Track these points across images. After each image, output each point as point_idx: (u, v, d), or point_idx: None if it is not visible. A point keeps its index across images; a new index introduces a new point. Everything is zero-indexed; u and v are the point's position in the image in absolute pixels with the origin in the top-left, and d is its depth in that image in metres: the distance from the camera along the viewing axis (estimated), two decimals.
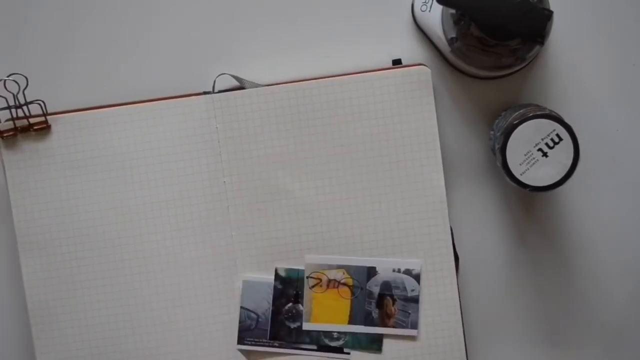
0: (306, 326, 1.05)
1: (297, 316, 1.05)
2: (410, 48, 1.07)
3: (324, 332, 1.05)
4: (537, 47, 0.99)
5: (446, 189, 1.07)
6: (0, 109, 1.05)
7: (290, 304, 1.05)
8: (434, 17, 1.03)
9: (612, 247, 1.07)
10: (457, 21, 0.99)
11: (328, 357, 1.05)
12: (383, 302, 1.04)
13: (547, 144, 0.97)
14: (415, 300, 1.04)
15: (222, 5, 1.08)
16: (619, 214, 1.07)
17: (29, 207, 1.05)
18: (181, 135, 1.05)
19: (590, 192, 1.07)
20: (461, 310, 1.06)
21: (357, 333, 1.05)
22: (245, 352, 1.05)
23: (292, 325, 1.05)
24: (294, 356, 1.05)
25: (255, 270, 1.05)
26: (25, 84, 1.07)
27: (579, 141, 1.04)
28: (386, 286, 1.04)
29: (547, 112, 0.98)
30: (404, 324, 1.04)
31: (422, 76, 1.04)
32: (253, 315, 1.05)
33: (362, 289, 1.05)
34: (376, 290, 1.04)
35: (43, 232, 1.05)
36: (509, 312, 1.08)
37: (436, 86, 1.07)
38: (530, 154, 0.97)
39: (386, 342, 1.05)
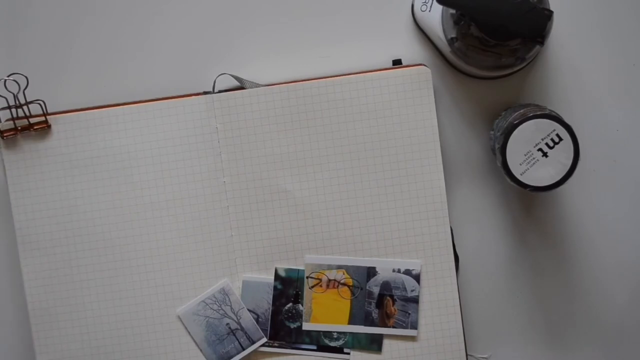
0: (306, 326, 1.05)
1: (297, 316, 1.05)
2: (410, 48, 1.07)
3: (323, 332, 1.05)
4: (537, 47, 0.99)
5: (446, 189, 1.07)
6: (0, 109, 1.05)
7: (290, 304, 1.05)
8: (434, 17, 1.03)
9: (612, 247, 1.07)
10: (457, 21, 0.99)
11: (328, 357, 1.05)
12: (383, 302, 1.04)
13: (547, 144, 0.97)
14: (415, 300, 1.04)
15: (222, 6, 1.08)
16: (619, 214, 1.07)
17: (29, 207, 1.05)
18: (181, 135, 1.05)
19: (590, 192, 1.07)
20: (461, 310, 1.06)
21: (356, 333, 1.05)
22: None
23: (292, 325, 1.05)
24: (294, 356, 1.05)
25: (255, 270, 1.05)
26: (25, 84, 1.07)
27: (579, 141, 1.04)
28: (386, 286, 1.04)
29: (547, 112, 0.98)
30: (404, 324, 1.04)
31: (422, 76, 1.04)
32: (253, 315, 1.05)
33: (362, 289, 1.05)
34: (376, 290, 1.04)
35: (43, 232, 1.05)
36: (509, 312, 1.08)
37: (436, 86, 1.07)
38: (530, 154, 0.97)
39: (386, 342, 1.05)
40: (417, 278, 1.04)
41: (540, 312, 1.08)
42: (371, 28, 1.07)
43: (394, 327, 1.04)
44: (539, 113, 0.97)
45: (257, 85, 1.05)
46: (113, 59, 1.08)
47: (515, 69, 1.02)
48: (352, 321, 1.05)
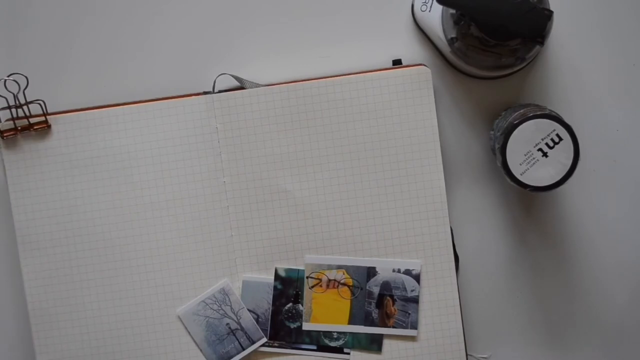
0: (306, 326, 1.05)
1: (297, 316, 1.05)
2: (410, 48, 1.07)
3: (323, 332, 1.05)
4: (537, 47, 0.99)
5: (446, 189, 1.07)
6: (0, 109, 1.05)
7: (290, 304, 1.05)
8: (434, 17, 1.03)
9: (612, 247, 1.07)
10: (457, 21, 0.99)
11: (328, 357, 1.05)
12: (383, 302, 1.04)
13: (547, 144, 0.97)
14: (415, 300, 1.04)
15: (222, 6, 1.08)
16: (619, 214, 1.07)
17: (29, 207, 1.05)
18: (181, 135, 1.05)
19: (590, 192, 1.07)
20: (461, 310, 1.06)
21: (356, 333, 1.05)
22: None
23: (292, 325, 1.05)
24: (294, 356, 1.05)
25: (255, 270, 1.05)
26: (25, 84, 1.07)
27: (579, 141, 1.04)
28: (386, 286, 1.04)
29: (547, 112, 0.98)
30: (404, 324, 1.04)
31: (422, 76, 1.04)
32: (253, 315, 1.05)
33: (362, 289, 1.05)
34: (376, 290, 1.04)
35: (43, 232, 1.05)
36: (509, 312, 1.08)
37: (436, 86, 1.07)
38: (530, 154, 0.97)
39: (386, 342, 1.05)
40: (417, 278, 1.04)
41: (540, 312, 1.08)
42: (371, 28, 1.07)
43: (394, 327, 1.04)
44: (539, 113, 0.97)
45: (257, 85, 1.05)
46: (113, 59, 1.08)
47: (515, 69, 1.02)
48: (352, 321, 1.05)
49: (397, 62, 1.06)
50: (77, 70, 1.08)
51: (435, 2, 1.03)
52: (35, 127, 1.05)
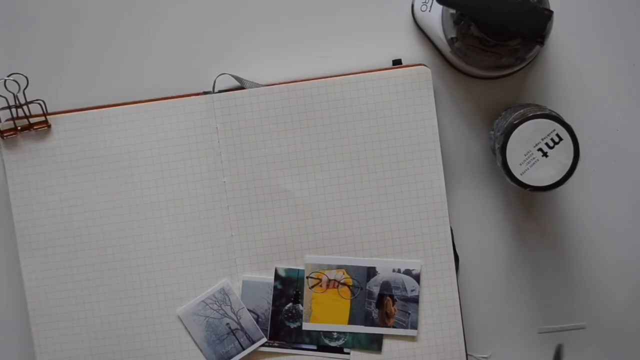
0: (306, 326, 1.05)
1: (297, 316, 1.05)
2: (410, 48, 1.07)
3: (323, 332, 1.05)
4: (537, 47, 0.99)
5: (446, 189, 1.07)
6: (0, 109, 1.05)
7: (290, 304, 1.05)
8: (434, 17, 1.03)
9: (612, 247, 1.07)
10: (457, 21, 0.99)
11: (328, 357, 1.05)
12: (383, 302, 1.04)
13: (547, 144, 0.97)
14: (415, 300, 1.04)
15: (222, 6, 1.08)
16: (619, 214, 1.07)
17: (29, 207, 1.05)
18: (181, 135, 1.05)
19: (590, 192, 1.07)
20: (461, 310, 1.06)
21: (356, 333, 1.05)
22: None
23: (292, 325, 1.05)
24: (294, 356, 1.05)
25: (255, 270, 1.05)
26: (25, 84, 1.07)
27: (579, 141, 1.04)
28: (386, 286, 1.04)
29: (547, 112, 0.98)
30: (404, 324, 1.04)
31: (422, 76, 1.04)
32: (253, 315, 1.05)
33: (362, 289, 1.05)
34: (376, 290, 1.04)
35: (43, 232, 1.05)
36: (509, 312, 1.08)
37: (436, 86, 1.07)
38: (530, 154, 0.97)
39: (386, 342, 1.05)
40: (417, 278, 1.04)
41: (540, 312, 1.08)
42: (371, 28, 1.07)
43: (394, 327, 1.04)
44: (539, 113, 0.97)
45: (257, 85, 1.05)
46: (113, 59, 1.08)
47: (515, 69, 1.02)
48: (352, 321, 1.05)
49: (397, 62, 1.06)
50: (77, 70, 1.08)
51: (435, 2, 1.03)
52: (35, 127, 1.05)
